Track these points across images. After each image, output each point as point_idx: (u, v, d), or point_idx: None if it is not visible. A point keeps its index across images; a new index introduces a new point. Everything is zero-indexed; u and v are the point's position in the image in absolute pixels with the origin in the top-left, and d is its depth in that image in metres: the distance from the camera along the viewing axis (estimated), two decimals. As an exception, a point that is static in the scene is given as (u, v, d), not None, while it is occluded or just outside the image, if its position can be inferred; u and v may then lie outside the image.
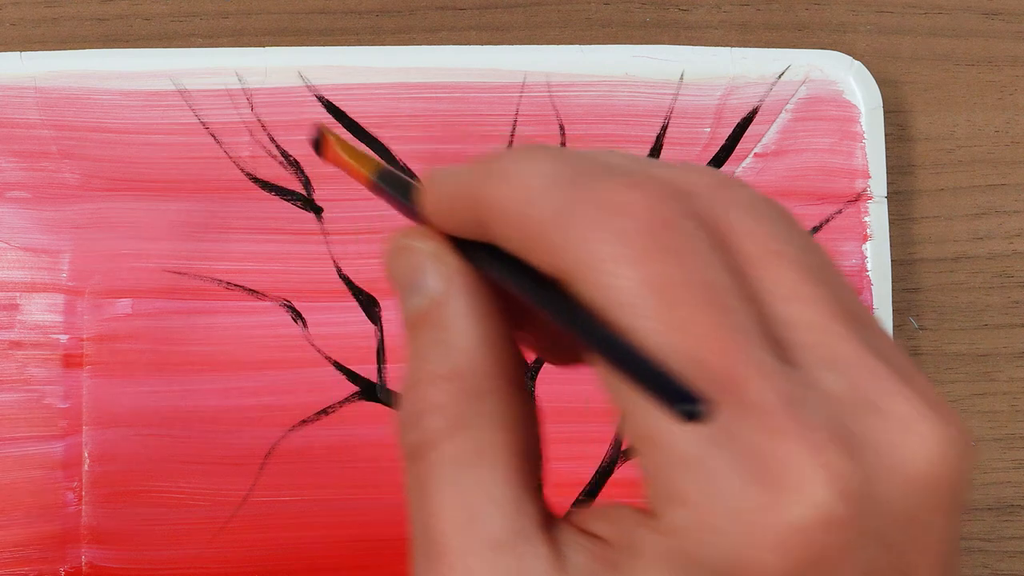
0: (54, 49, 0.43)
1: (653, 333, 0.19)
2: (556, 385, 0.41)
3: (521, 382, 0.22)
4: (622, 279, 0.19)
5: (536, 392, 0.41)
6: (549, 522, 0.22)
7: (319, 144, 0.29)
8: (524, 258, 0.21)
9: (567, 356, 0.25)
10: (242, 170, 0.41)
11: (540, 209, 0.21)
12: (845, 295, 0.21)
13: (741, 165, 0.41)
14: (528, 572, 0.21)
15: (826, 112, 0.41)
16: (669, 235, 0.20)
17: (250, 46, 0.42)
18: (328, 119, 0.41)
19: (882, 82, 0.42)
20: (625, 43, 0.43)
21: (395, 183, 0.26)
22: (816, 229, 0.42)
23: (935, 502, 0.20)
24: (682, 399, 0.18)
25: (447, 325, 0.22)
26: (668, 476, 0.19)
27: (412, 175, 0.24)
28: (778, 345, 0.20)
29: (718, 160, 0.41)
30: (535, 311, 0.21)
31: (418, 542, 0.22)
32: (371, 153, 0.28)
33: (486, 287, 0.23)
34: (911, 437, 0.20)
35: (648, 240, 0.20)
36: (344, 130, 0.41)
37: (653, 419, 0.19)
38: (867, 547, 0.19)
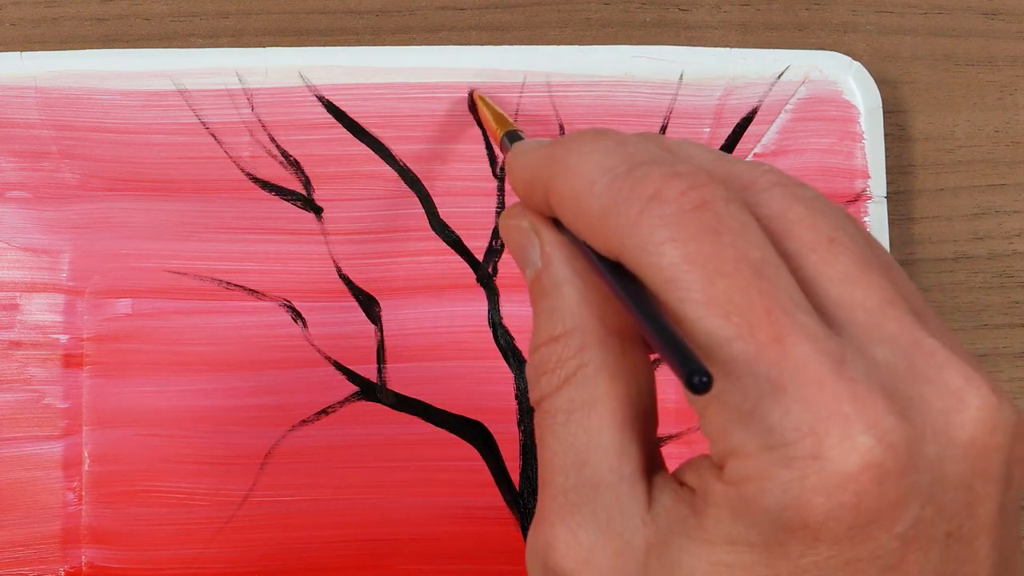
0: (54, 49, 0.43)
1: (697, 305, 0.21)
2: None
3: (628, 335, 0.24)
4: (665, 258, 0.21)
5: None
6: (651, 468, 0.24)
7: (472, 107, 0.34)
8: (586, 241, 0.23)
9: None
10: (242, 170, 0.41)
11: (595, 201, 0.23)
12: (898, 278, 0.23)
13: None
14: (623, 509, 0.23)
15: (826, 112, 0.41)
16: (708, 216, 0.22)
17: (250, 46, 0.42)
18: (328, 119, 0.41)
19: (882, 82, 0.42)
20: (625, 43, 0.43)
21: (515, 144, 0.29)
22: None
23: (987, 470, 0.21)
24: (691, 371, 0.19)
25: (551, 292, 0.24)
26: (727, 433, 0.21)
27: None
28: (830, 322, 0.21)
29: (718, 160, 0.41)
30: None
31: (539, 489, 0.24)
32: (509, 119, 0.33)
33: (582, 249, 0.24)
34: (961, 405, 0.21)
35: (689, 220, 0.21)
36: (345, 130, 0.41)
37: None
38: (916, 504, 0.20)
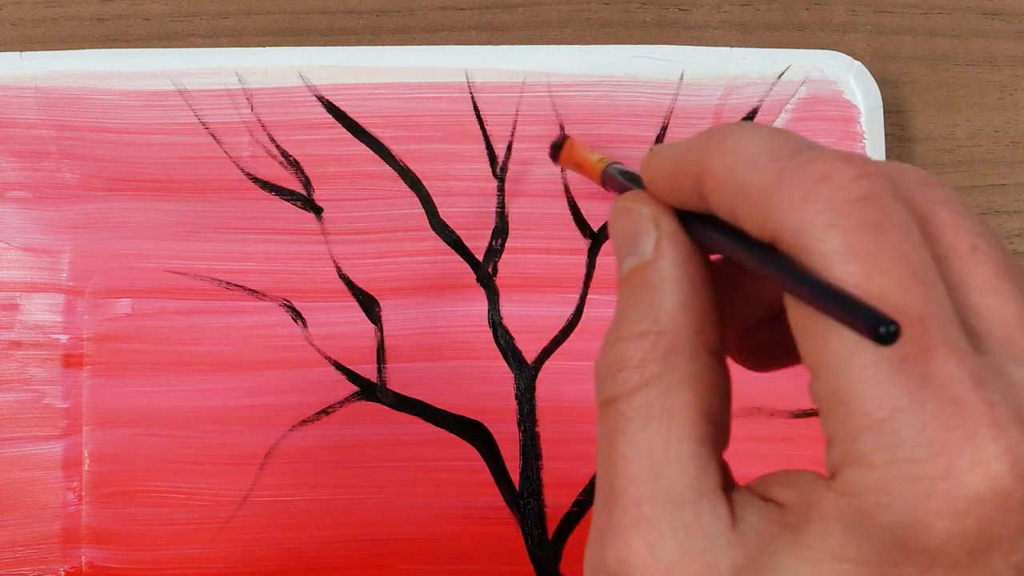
0: (54, 49, 0.43)
1: None
2: (556, 385, 0.41)
3: (718, 351, 0.23)
4: (828, 244, 0.21)
5: (536, 392, 0.41)
6: (728, 484, 0.23)
7: (558, 149, 0.34)
8: (738, 223, 0.22)
9: (761, 357, 0.26)
10: (242, 170, 0.41)
11: (758, 176, 0.22)
12: None
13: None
14: (705, 528, 0.22)
15: (826, 112, 0.41)
16: (875, 208, 0.21)
17: (250, 46, 0.42)
18: (328, 119, 0.41)
19: (882, 82, 0.42)
20: (625, 43, 0.43)
21: (623, 172, 0.29)
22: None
23: None
24: (878, 321, 0.19)
25: (654, 286, 0.23)
26: (853, 437, 0.20)
27: (632, 172, 0.29)
28: (968, 332, 0.21)
29: (718, 160, 0.41)
30: (747, 274, 0.23)
31: (601, 489, 0.23)
32: (595, 153, 0.34)
33: (699, 259, 0.24)
34: None
35: (855, 210, 0.21)
36: (345, 130, 0.41)
37: (848, 381, 0.20)
38: None
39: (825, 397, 0.21)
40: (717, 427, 0.23)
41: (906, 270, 0.20)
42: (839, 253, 0.20)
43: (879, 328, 0.19)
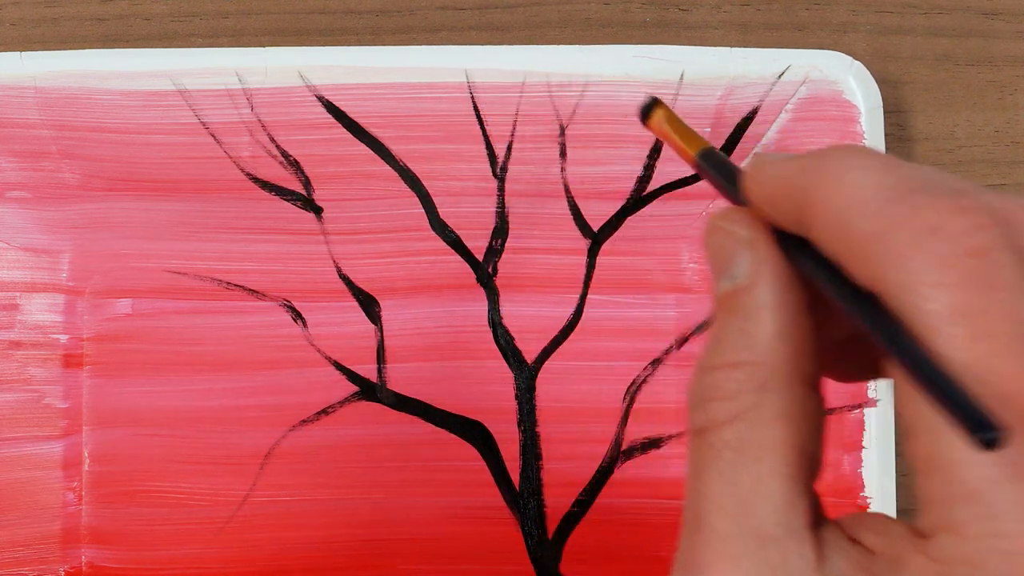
0: (54, 49, 0.43)
1: (957, 362, 0.19)
2: (556, 385, 0.41)
3: (813, 381, 0.23)
4: (934, 303, 0.20)
5: (536, 392, 0.41)
6: (818, 522, 0.22)
7: (647, 112, 0.30)
8: (841, 264, 0.21)
9: (849, 371, 0.25)
10: (242, 170, 0.41)
11: (865, 221, 0.21)
12: None
13: (741, 165, 0.41)
14: (790, 568, 0.21)
15: (826, 112, 0.41)
16: (987, 265, 0.20)
17: (250, 46, 0.42)
18: (328, 119, 0.41)
19: (882, 82, 0.42)
20: (625, 43, 0.43)
21: (718, 164, 0.26)
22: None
23: None
24: (983, 427, 0.18)
25: (749, 313, 0.22)
26: (949, 505, 0.20)
27: (731, 165, 0.26)
28: None
29: (718, 160, 0.41)
30: (841, 314, 0.22)
31: (687, 518, 0.22)
32: (697, 133, 0.30)
33: (796, 281, 0.23)
34: None
35: (964, 266, 0.20)
36: (345, 130, 0.41)
37: (946, 446, 0.20)
38: None
39: (921, 459, 0.20)
40: (809, 460, 0.22)
41: (1013, 333, 0.20)
42: (945, 314, 0.20)
43: (982, 434, 0.18)
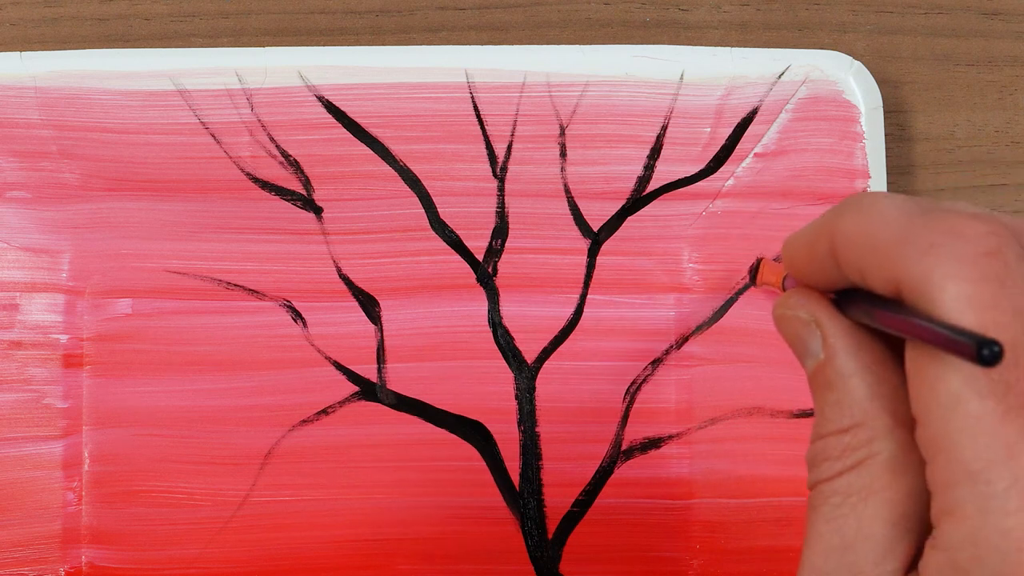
0: (54, 49, 0.43)
1: None
2: (556, 385, 0.41)
3: (912, 424, 0.24)
4: (948, 293, 0.22)
5: (536, 392, 0.41)
6: (915, 565, 0.23)
7: (754, 272, 0.36)
8: (865, 281, 0.24)
9: None
10: (242, 170, 0.41)
11: (887, 230, 0.23)
12: None
13: (741, 165, 0.41)
14: None
15: (826, 112, 0.41)
16: (998, 263, 0.22)
17: (250, 46, 0.42)
18: (328, 119, 0.41)
19: (882, 82, 0.42)
20: (625, 43, 0.43)
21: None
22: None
23: None
24: (983, 344, 0.20)
25: (835, 384, 0.24)
26: (949, 488, 0.21)
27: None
28: None
29: (718, 160, 0.41)
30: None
31: (802, 560, 0.24)
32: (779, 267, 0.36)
33: (872, 341, 0.25)
34: None
35: (978, 263, 0.22)
36: (345, 130, 0.41)
37: (949, 428, 0.21)
38: None
39: (928, 445, 0.22)
40: (914, 501, 0.23)
41: (1019, 326, 0.21)
42: (958, 304, 0.21)
43: (982, 350, 0.20)
